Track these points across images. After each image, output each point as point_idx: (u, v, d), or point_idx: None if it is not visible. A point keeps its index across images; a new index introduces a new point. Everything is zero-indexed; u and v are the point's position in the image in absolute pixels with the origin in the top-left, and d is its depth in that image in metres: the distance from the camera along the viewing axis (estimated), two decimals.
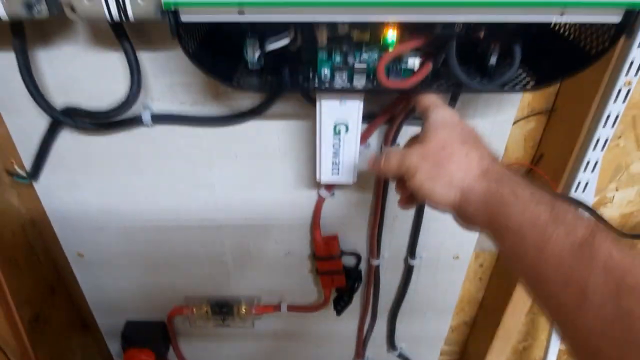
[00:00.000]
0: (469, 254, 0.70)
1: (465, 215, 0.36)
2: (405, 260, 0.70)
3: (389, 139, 0.56)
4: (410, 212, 0.65)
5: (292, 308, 0.75)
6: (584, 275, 0.27)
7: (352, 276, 0.69)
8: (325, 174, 0.53)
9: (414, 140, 0.42)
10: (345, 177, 0.53)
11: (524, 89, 0.43)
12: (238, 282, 0.74)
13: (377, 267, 0.70)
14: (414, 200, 0.42)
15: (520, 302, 0.84)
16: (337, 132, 0.49)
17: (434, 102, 0.41)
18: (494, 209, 0.33)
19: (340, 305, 0.69)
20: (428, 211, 0.64)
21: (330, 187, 0.61)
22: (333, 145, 0.50)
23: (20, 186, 0.72)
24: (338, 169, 0.52)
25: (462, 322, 0.97)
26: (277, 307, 0.76)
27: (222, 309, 0.75)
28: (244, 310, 0.75)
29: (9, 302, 0.65)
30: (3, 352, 0.65)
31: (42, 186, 0.64)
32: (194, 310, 0.76)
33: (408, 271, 0.71)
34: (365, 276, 0.71)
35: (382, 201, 0.62)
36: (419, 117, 0.42)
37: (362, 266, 0.70)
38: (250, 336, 0.82)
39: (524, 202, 0.31)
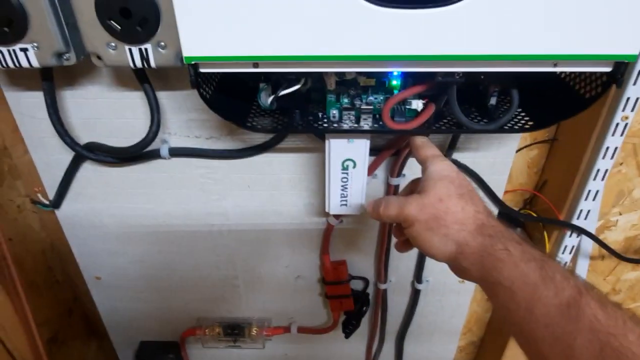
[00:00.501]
0: None
1: (460, 268, 0.37)
2: (412, 284, 0.72)
3: (395, 171, 0.58)
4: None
5: (302, 330, 0.77)
6: (571, 335, 0.28)
7: (360, 300, 0.71)
8: (334, 207, 0.55)
9: (413, 185, 0.44)
10: (353, 208, 0.55)
11: (522, 130, 0.45)
12: (249, 304, 0.76)
13: (385, 291, 0.72)
14: (411, 245, 0.43)
15: None
16: (345, 168, 0.52)
17: (432, 154, 0.42)
18: (487, 264, 0.34)
19: (349, 328, 0.71)
20: None
21: (338, 215, 0.63)
22: (341, 180, 0.53)
23: (42, 212, 0.75)
24: (346, 202, 0.54)
25: (470, 342, 0.98)
26: (287, 329, 0.78)
27: (234, 331, 0.77)
28: (255, 332, 0.77)
29: (30, 323, 0.67)
30: None
31: (63, 213, 0.67)
32: (206, 331, 0.78)
33: (415, 295, 0.73)
34: (372, 299, 0.73)
35: (389, 227, 0.64)
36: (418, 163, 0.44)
37: (370, 290, 0.72)
38: (260, 358, 0.84)
39: (515, 260, 0.33)
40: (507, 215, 0.70)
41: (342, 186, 0.53)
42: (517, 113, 0.47)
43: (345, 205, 0.55)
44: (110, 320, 0.83)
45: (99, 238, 0.70)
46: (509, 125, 0.46)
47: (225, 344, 0.79)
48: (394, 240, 0.66)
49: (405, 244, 0.44)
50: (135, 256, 0.71)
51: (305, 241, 0.68)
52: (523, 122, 0.46)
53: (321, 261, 0.69)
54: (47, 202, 0.66)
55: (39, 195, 0.66)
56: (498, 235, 0.35)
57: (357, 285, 0.72)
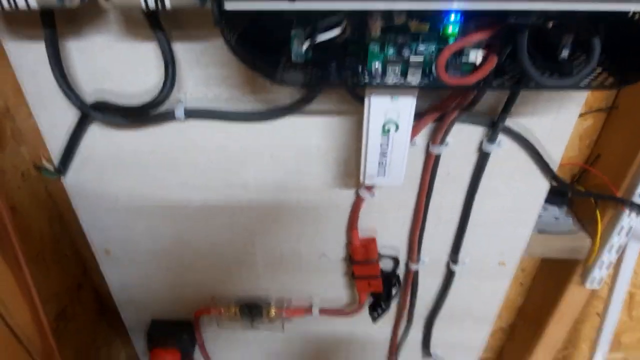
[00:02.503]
0: (516, 260, 0.66)
1: None
2: (447, 265, 0.66)
3: (438, 138, 0.51)
4: (455, 215, 0.61)
5: (324, 312, 0.72)
6: None
7: (390, 281, 0.65)
8: (371, 176, 0.49)
9: None
10: (393, 178, 0.49)
11: (602, 87, 0.38)
12: (268, 283, 0.71)
13: (416, 272, 0.66)
14: None
15: (568, 312, 0.80)
16: (385, 131, 0.46)
17: None
18: None
19: (377, 312, 0.66)
20: (474, 215, 0.60)
21: (371, 187, 0.57)
22: (381, 145, 0.46)
23: (48, 181, 0.70)
24: (385, 170, 0.48)
25: (499, 327, 0.93)
26: (308, 310, 0.72)
27: (251, 311, 0.72)
28: (274, 313, 0.72)
29: (35, 301, 0.63)
30: (28, 353, 0.64)
31: (71, 182, 0.62)
32: (222, 310, 0.73)
33: (448, 277, 0.67)
34: (402, 281, 0.68)
35: (426, 202, 0.58)
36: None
37: (400, 270, 0.67)
38: (279, 339, 0.79)
39: None
40: (558, 192, 0.63)
41: (382, 153, 0.47)
42: (594, 70, 0.40)
43: (384, 175, 0.49)
44: (121, 297, 0.78)
45: (109, 209, 0.64)
46: (586, 82, 0.39)
47: (242, 324, 0.75)
48: (434, 212, 0.60)
49: None
50: (147, 229, 0.66)
51: (332, 216, 0.62)
52: (602, 79, 0.39)
53: (349, 238, 0.63)
54: (52, 169, 0.61)
55: (44, 161, 0.61)
56: None
57: (386, 265, 0.66)
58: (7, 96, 0.61)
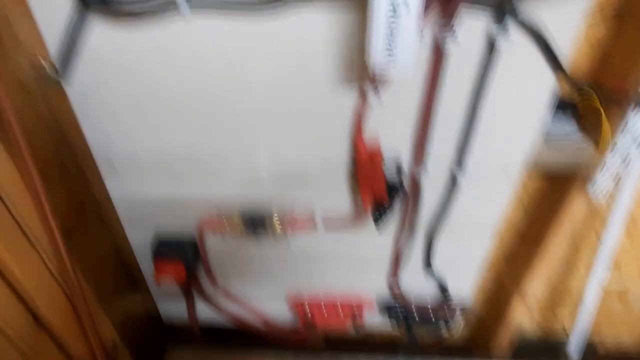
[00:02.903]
0: (520, 165, 0.66)
1: None
2: (451, 172, 0.66)
3: (446, 27, 0.50)
4: (462, 117, 0.61)
5: (328, 221, 0.73)
6: None
7: (393, 187, 0.66)
8: (379, 63, 0.48)
9: None
10: (402, 67, 0.48)
11: None
12: (272, 192, 0.72)
13: (420, 177, 0.66)
14: None
15: (566, 230, 0.81)
16: (395, 12, 0.44)
17: None
18: None
19: (379, 214, 0.66)
20: (480, 117, 0.60)
21: (376, 84, 0.56)
22: (390, 28, 0.45)
23: (49, 97, 0.69)
24: (394, 58, 0.47)
25: (499, 252, 0.94)
26: (312, 221, 0.73)
27: (254, 221, 0.73)
28: (277, 223, 0.73)
29: (44, 208, 0.63)
30: (40, 257, 0.64)
31: (72, 89, 0.61)
32: (225, 221, 0.74)
33: (453, 183, 0.67)
34: (407, 187, 0.68)
35: (433, 101, 0.57)
36: None
37: (404, 176, 0.67)
38: (282, 255, 0.80)
39: None
40: (566, 104, 0.63)
41: (390, 36, 0.46)
42: None
43: (393, 63, 0.48)
44: (125, 211, 0.79)
45: (111, 117, 0.64)
46: None
47: (246, 236, 0.76)
48: (441, 114, 0.60)
49: None
50: (150, 137, 0.66)
51: (337, 118, 0.61)
52: None
53: (353, 141, 0.63)
54: (52, 71, 0.59)
55: (43, 62, 0.59)
56: None
57: (390, 171, 0.66)
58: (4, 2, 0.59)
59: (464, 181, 0.67)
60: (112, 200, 0.77)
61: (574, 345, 1.01)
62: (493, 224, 0.75)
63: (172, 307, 0.96)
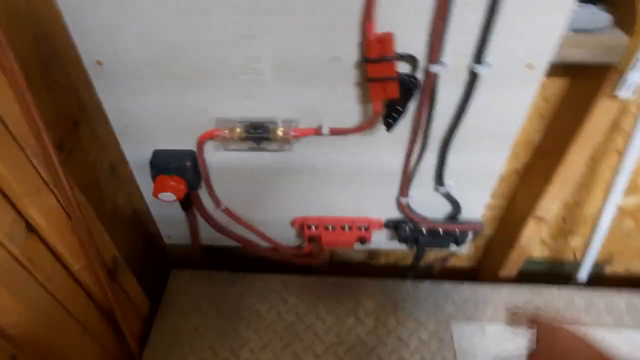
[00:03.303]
0: (545, 62, 0.60)
1: None
2: (470, 68, 0.60)
3: None
4: (482, 5, 0.54)
5: (335, 130, 0.68)
6: None
7: (407, 85, 0.60)
8: None
9: None
10: None
11: None
12: (275, 99, 0.66)
13: (436, 75, 0.60)
14: None
15: (586, 144, 0.76)
16: None
17: (553, 325, 0.46)
18: None
19: (393, 117, 0.61)
20: (504, 8, 0.53)
21: None
22: None
23: None
24: None
25: (513, 169, 0.90)
26: (317, 130, 0.68)
27: (257, 130, 0.68)
28: (281, 132, 0.68)
29: (33, 115, 0.58)
30: (32, 164, 0.60)
31: None
32: (226, 132, 0.69)
33: (471, 83, 0.61)
34: (421, 86, 0.62)
35: None
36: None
37: (419, 74, 0.61)
38: (287, 164, 0.76)
39: None
40: None
41: None
42: None
43: None
44: (120, 126, 0.74)
45: (94, 5, 0.58)
46: None
47: (248, 149, 0.71)
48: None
49: None
50: (140, 30, 0.60)
51: (345, 4, 0.55)
52: None
53: (363, 33, 0.57)
54: None
55: None
56: None
57: (403, 68, 0.60)
58: None
59: (483, 77, 0.61)
60: (105, 112, 0.72)
61: (584, 270, 0.99)
62: (510, 135, 0.70)
63: (174, 229, 0.93)
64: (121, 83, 0.66)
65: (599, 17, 0.58)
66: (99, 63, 0.64)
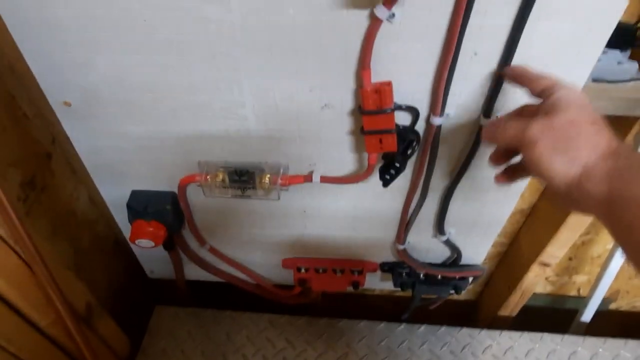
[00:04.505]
0: None
1: (578, 193, 0.36)
2: (477, 120, 0.54)
3: None
4: (497, 47, 0.48)
5: (327, 179, 0.62)
6: None
7: (406, 138, 0.54)
8: None
9: (527, 110, 0.43)
10: None
11: None
12: (261, 145, 0.60)
13: (439, 128, 0.54)
14: (516, 174, 0.45)
15: None
16: None
17: (559, 82, 0.40)
18: (618, 181, 0.34)
19: (390, 173, 0.55)
20: (520, 50, 0.47)
21: (389, 2, 0.43)
22: None
23: None
24: None
25: (518, 209, 0.84)
26: (308, 177, 0.62)
27: (241, 177, 0.62)
28: (267, 180, 0.62)
29: None
30: None
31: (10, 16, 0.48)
32: (208, 178, 0.63)
33: (478, 133, 0.55)
34: (422, 138, 0.56)
35: (462, 23, 0.45)
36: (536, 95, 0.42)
37: (419, 127, 0.55)
38: (274, 213, 0.70)
39: None
40: (622, 33, 0.49)
41: None
42: None
43: None
44: (93, 165, 0.68)
45: (58, 43, 0.51)
46: None
47: (232, 194, 0.65)
48: (469, 44, 0.47)
49: (510, 173, 0.45)
50: (107, 70, 0.53)
51: (338, 48, 0.48)
52: None
53: (358, 81, 0.51)
54: None
55: None
56: (633, 159, 0.35)
57: (403, 119, 0.54)
58: None
59: None
60: (76, 148, 0.66)
61: (589, 310, 0.94)
62: (518, 189, 0.64)
63: (158, 266, 0.87)
64: (91, 123, 0.61)
65: (625, 67, 0.52)
66: (66, 104, 0.58)
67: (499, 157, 0.45)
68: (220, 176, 0.63)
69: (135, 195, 0.70)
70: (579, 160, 0.36)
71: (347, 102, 0.54)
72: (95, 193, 0.76)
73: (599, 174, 0.35)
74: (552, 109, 0.38)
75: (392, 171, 0.55)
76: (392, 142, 0.54)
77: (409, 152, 0.54)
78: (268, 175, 0.62)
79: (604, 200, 0.34)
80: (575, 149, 0.36)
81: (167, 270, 0.88)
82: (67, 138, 0.65)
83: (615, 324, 1.05)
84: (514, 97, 0.51)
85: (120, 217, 0.77)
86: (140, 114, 0.58)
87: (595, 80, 0.53)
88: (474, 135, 0.56)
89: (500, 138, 0.41)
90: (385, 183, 0.56)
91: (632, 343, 0.85)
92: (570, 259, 0.94)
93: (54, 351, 0.67)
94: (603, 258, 0.90)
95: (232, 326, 0.89)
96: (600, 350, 0.85)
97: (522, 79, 0.44)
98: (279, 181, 0.62)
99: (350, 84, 0.52)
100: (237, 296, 0.96)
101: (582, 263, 0.96)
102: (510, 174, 0.45)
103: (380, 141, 0.54)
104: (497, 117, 0.50)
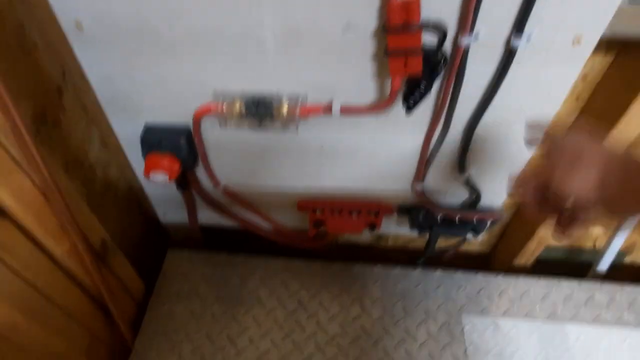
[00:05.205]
0: (595, 37, 0.51)
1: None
2: (507, 41, 0.52)
3: None
4: None
5: (347, 110, 0.60)
6: None
7: (432, 61, 0.52)
8: None
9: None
10: None
11: None
12: (280, 72, 0.58)
13: (467, 49, 0.52)
14: (577, 223, 0.40)
15: (626, 131, 0.68)
16: None
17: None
18: None
19: (414, 97, 0.53)
20: None
21: None
22: None
23: None
24: None
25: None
26: (327, 108, 0.60)
27: (258, 107, 0.61)
28: (286, 110, 0.60)
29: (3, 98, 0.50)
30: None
31: None
32: (224, 107, 0.61)
33: (507, 59, 0.53)
34: (448, 60, 0.54)
35: None
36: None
37: (446, 48, 0.53)
38: (291, 145, 0.69)
39: None
40: None
41: None
42: None
43: None
44: (106, 96, 0.67)
45: None
46: None
47: (248, 125, 0.64)
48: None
49: (571, 221, 0.41)
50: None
51: None
52: None
53: None
54: None
55: None
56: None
57: (428, 42, 0.52)
58: None
59: (522, 52, 0.52)
60: (88, 79, 0.64)
61: (605, 260, 0.93)
62: (550, 112, 0.62)
63: (170, 207, 0.87)
64: (104, 48, 0.59)
65: None
66: (78, 26, 0.56)
67: (535, 197, 0.42)
68: (237, 106, 0.61)
69: (149, 129, 0.69)
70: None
71: (371, 20, 0.51)
72: (108, 134, 0.75)
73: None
74: (551, 144, 0.41)
75: (417, 95, 0.52)
76: (417, 64, 0.51)
77: (434, 74, 0.52)
78: (286, 105, 0.60)
79: None
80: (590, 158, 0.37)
81: (180, 214, 0.87)
82: (79, 72, 0.64)
83: (631, 277, 1.04)
84: (548, 13, 0.49)
85: (134, 158, 0.76)
86: (155, 38, 0.56)
87: (632, 2, 0.50)
88: (503, 60, 0.53)
89: (529, 180, 0.41)
90: (409, 108, 0.54)
91: None
92: None
93: (69, 283, 0.67)
94: None
95: (246, 270, 0.89)
96: (618, 295, 0.85)
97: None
98: (297, 111, 0.60)
99: (374, 0, 0.49)
100: (251, 243, 0.95)
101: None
102: (565, 222, 0.41)
103: (405, 63, 0.51)
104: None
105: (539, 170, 0.40)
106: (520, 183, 0.42)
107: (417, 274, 0.89)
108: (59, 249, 0.63)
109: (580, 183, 0.37)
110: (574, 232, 0.41)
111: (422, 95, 0.53)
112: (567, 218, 0.40)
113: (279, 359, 0.78)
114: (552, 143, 0.41)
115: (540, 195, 0.41)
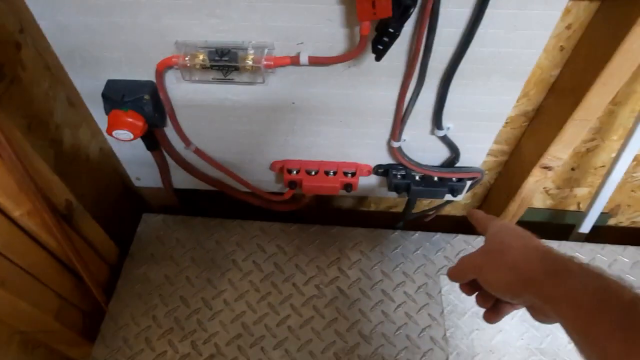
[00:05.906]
0: None
1: (530, 290, 0.40)
2: None
3: None
4: None
5: (315, 60, 0.57)
6: None
7: (402, 3, 0.48)
8: None
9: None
10: None
11: None
12: (245, 16, 0.55)
13: None
14: (500, 313, 0.47)
15: (611, 83, 0.65)
16: None
17: (490, 217, 0.51)
18: (555, 270, 0.39)
19: (383, 41, 0.50)
20: None
21: None
22: None
23: None
24: None
25: (522, 112, 0.79)
26: (295, 58, 0.57)
27: (223, 58, 0.57)
28: (251, 61, 0.57)
29: None
30: None
31: None
32: (187, 59, 0.58)
33: (484, 1, 0.50)
34: (419, 7, 0.51)
35: None
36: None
37: None
38: (259, 98, 0.66)
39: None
40: None
41: None
42: None
43: None
44: (64, 50, 0.63)
45: None
46: None
47: (214, 77, 0.60)
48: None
49: (494, 312, 0.47)
50: None
51: None
52: None
53: None
54: None
55: None
56: (566, 257, 0.40)
57: None
58: None
59: None
60: (43, 31, 0.60)
61: (588, 221, 0.92)
62: (525, 70, 0.59)
63: (143, 170, 0.84)
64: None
65: None
66: None
67: (468, 290, 0.48)
68: (200, 57, 0.58)
69: (111, 84, 0.65)
70: (519, 269, 0.40)
71: None
72: (75, 94, 0.71)
73: (540, 272, 0.39)
74: (487, 239, 0.47)
75: (385, 38, 0.49)
76: (386, 6, 0.48)
77: (404, 15, 0.49)
78: (252, 55, 0.57)
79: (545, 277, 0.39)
80: (512, 261, 0.41)
81: (154, 178, 0.84)
82: (39, 29, 0.60)
83: (615, 240, 1.04)
84: None
85: (100, 118, 0.73)
86: None
87: None
88: (479, 1, 0.50)
89: (460, 276, 0.47)
90: (379, 54, 0.51)
91: (631, 249, 0.84)
92: (572, 169, 0.91)
93: (32, 245, 0.65)
94: (606, 169, 0.86)
95: (222, 233, 0.88)
96: (599, 255, 0.84)
97: (477, 222, 0.52)
98: (263, 62, 0.57)
99: None
100: (227, 206, 0.93)
101: (585, 174, 0.92)
102: (494, 312, 0.47)
103: (373, 5, 0.48)
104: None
105: (469, 267, 0.46)
106: (453, 278, 0.48)
107: (396, 236, 0.87)
108: (17, 210, 0.60)
109: (497, 282, 0.42)
110: (499, 319, 0.47)
111: (392, 40, 0.50)
112: (493, 307, 0.47)
113: (255, 321, 0.77)
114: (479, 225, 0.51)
115: (473, 287, 0.47)
